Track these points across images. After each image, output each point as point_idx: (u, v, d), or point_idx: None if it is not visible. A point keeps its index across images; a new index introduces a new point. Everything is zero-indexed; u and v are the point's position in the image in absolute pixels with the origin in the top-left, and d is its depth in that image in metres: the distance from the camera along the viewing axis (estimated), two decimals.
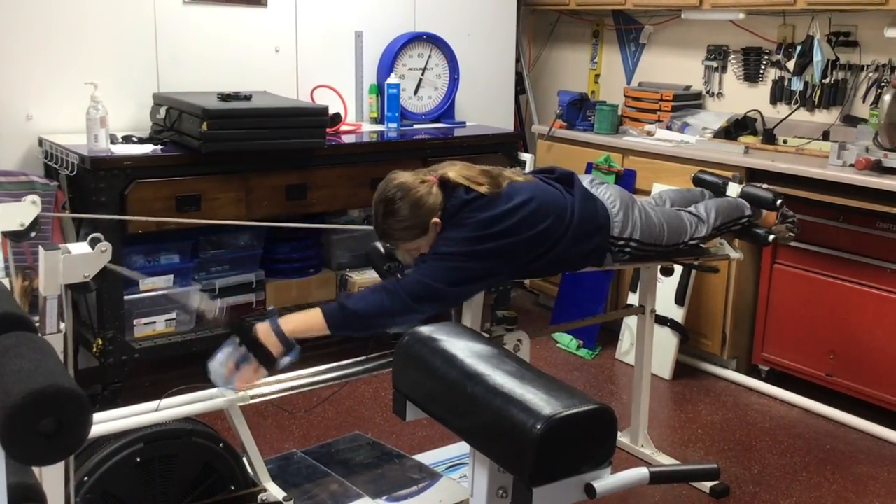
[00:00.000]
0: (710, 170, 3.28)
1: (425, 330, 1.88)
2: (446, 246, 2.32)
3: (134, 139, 3.47)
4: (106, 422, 2.00)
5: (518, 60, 5.09)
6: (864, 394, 3.52)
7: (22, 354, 1.11)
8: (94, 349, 3.30)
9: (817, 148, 3.83)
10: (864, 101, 3.89)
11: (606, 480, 1.53)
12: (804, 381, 3.73)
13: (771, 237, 2.91)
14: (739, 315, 3.90)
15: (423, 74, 4.43)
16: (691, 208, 2.82)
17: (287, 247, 3.88)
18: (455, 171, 2.40)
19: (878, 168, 3.39)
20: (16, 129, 3.47)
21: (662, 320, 3.91)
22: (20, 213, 2.02)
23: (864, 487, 3.06)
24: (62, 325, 1.69)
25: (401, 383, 1.88)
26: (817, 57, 3.91)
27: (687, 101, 4.49)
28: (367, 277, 3.89)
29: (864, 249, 3.46)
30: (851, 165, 3.47)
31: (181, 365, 3.43)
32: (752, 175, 3.64)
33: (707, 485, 2.98)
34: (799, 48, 4.02)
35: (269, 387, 2.26)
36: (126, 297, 3.33)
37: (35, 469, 1.29)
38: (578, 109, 4.50)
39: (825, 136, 3.92)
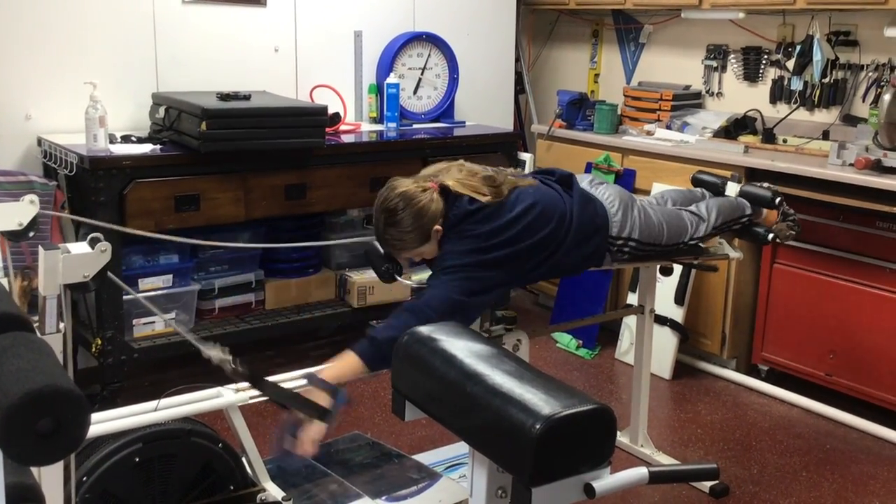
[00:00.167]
0: (710, 169, 3.29)
1: (424, 330, 1.88)
2: (454, 259, 2.32)
3: (133, 139, 3.47)
4: (105, 421, 1.99)
5: (517, 60, 5.08)
6: (863, 393, 3.52)
7: (20, 354, 1.11)
8: (94, 349, 3.30)
9: (817, 147, 3.83)
10: (863, 101, 3.89)
11: (606, 480, 1.53)
12: (804, 381, 3.73)
13: (770, 235, 2.90)
14: (739, 315, 3.90)
15: (422, 74, 4.43)
16: (692, 207, 2.82)
17: None
18: (456, 179, 2.39)
19: (878, 167, 3.39)
20: (15, 129, 3.47)
21: (662, 320, 3.91)
22: (18, 212, 2.01)
23: (863, 487, 3.06)
24: (61, 325, 1.68)
25: (400, 383, 1.88)
26: (817, 56, 3.91)
27: (686, 101, 4.49)
28: (366, 277, 3.88)
29: (864, 249, 3.46)
30: (851, 165, 3.47)
31: (180, 365, 3.43)
32: (752, 174, 3.64)
33: (707, 484, 2.98)
34: (798, 47, 4.02)
35: None
36: (125, 297, 3.32)
37: (34, 469, 1.29)
38: (578, 109, 4.50)
39: (825, 135, 3.92)
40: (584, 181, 2.66)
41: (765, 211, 2.95)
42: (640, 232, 2.58)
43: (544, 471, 1.49)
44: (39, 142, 3.48)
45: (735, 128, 4.18)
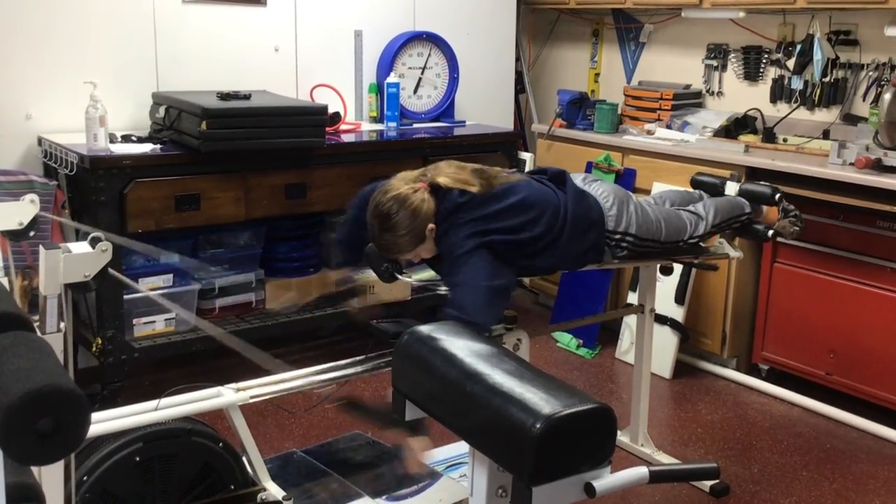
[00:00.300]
0: (710, 169, 3.29)
1: (424, 329, 1.88)
2: (459, 248, 2.32)
3: (133, 138, 3.47)
4: (105, 421, 1.99)
5: (518, 59, 5.08)
6: (863, 393, 3.52)
7: (20, 354, 1.11)
8: (94, 348, 3.30)
9: (817, 146, 3.83)
10: (864, 100, 3.88)
11: (606, 480, 1.53)
12: (804, 380, 3.73)
13: (770, 232, 2.90)
14: (739, 314, 3.90)
15: (422, 73, 4.43)
16: (690, 207, 2.82)
17: (287, 246, 3.86)
18: (446, 176, 2.40)
19: (878, 167, 3.39)
20: (15, 129, 3.47)
21: (662, 319, 3.91)
22: (19, 212, 2.01)
23: (863, 486, 3.06)
24: (62, 325, 1.69)
25: (400, 382, 1.88)
26: (817, 55, 3.91)
27: (687, 100, 4.48)
28: (366, 277, 3.87)
29: (865, 248, 3.46)
30: (851, 164, 3.47)
31: (181, 364, 3.44)
32: (753, 174, 3.64)
33: (707, 484, 2.98)
34: (799, 47, 4.02)
35: (269, 387, 2.26)
36: (126, 297, 3.32)
37: (34, 468, 1.29)
38: (578, 108, 4.49)
39: (825, 134, 3.92)
40: (577, 179, 2.66)
41: (765, 209, 2.94)
42: (636, 227, 2.58)
43: (545, 470, 1.49)
44: (40, 141, 3.48)
45: (735, 127, 4.18)
